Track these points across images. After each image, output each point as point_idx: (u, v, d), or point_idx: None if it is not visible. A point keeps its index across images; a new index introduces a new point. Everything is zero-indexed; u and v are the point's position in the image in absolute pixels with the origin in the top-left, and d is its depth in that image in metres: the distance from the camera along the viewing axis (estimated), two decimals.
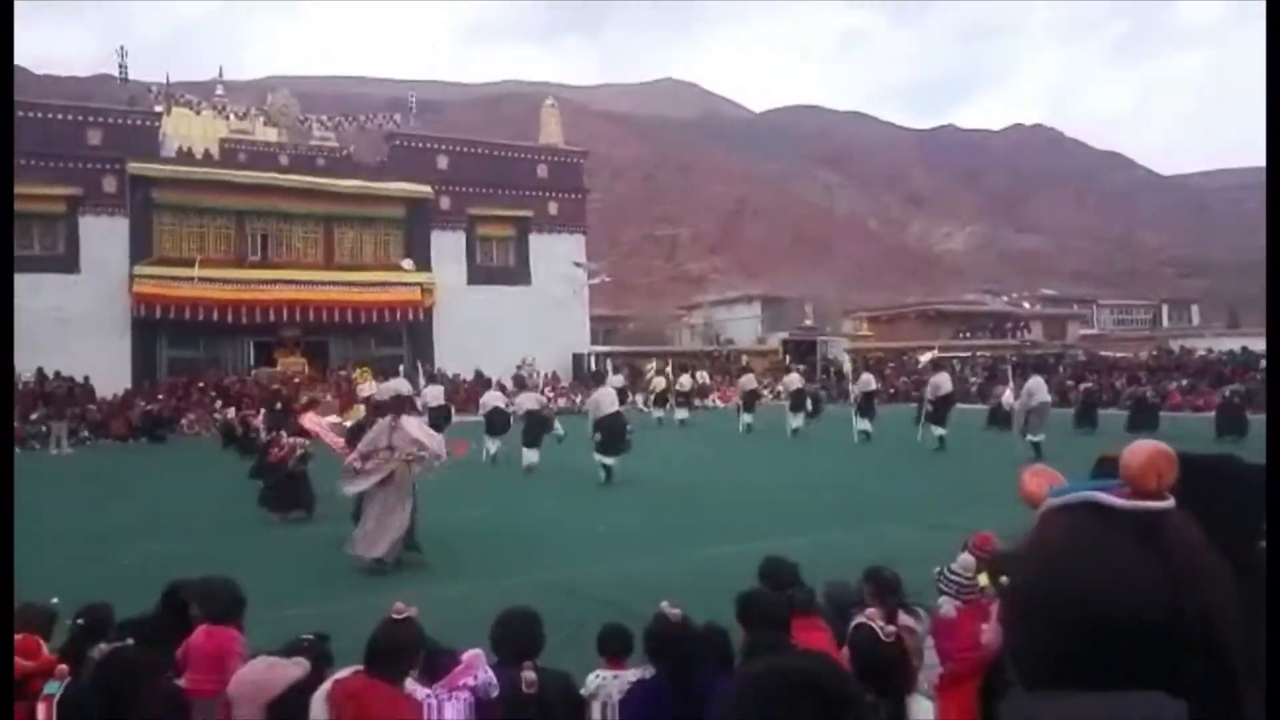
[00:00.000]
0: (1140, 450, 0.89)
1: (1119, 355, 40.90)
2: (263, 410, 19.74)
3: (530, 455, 16.11)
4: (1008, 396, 19.37)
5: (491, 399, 18.62)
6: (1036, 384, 17.91)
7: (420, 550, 9.01)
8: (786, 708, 1.01)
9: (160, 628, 4.11)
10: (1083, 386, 25.07)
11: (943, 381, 19.23)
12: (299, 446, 12.37)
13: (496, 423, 17.82)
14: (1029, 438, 16.81)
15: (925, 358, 32.37)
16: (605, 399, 15.15)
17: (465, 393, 27.75)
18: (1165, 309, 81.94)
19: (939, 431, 18.26)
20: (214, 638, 3.98)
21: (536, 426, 16.50)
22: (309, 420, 12.36)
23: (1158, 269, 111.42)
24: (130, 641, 3.46)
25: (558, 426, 17.48)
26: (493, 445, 17.66)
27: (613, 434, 14.54)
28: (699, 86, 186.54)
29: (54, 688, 3.14)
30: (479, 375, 32.53)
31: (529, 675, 3.30)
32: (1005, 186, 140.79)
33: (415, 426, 9.16)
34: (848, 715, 1.04)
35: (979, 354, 43.74)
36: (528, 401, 17.07)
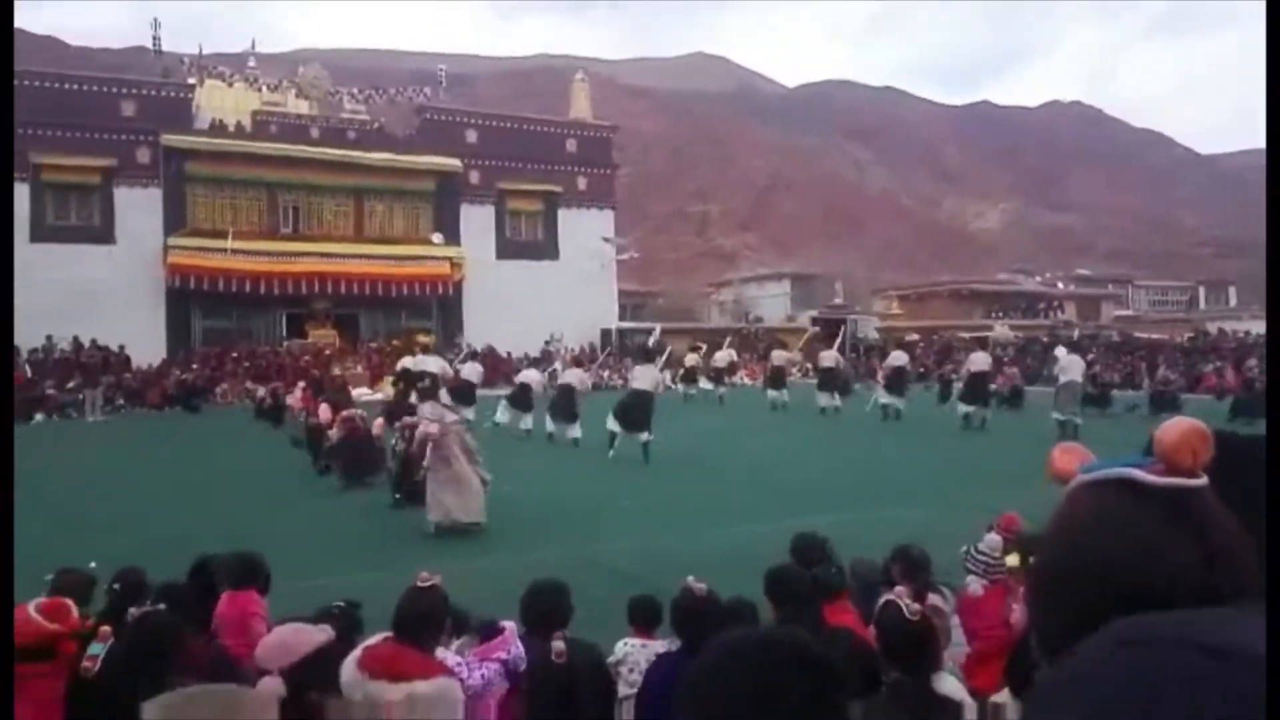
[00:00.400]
0: (1174, 427, 0.87)
1: (1154, 337, 40.34)
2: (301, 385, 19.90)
3: (571, 430, 16.20)
4: (1060, 352, 18.87)
5: (527, 376, 18.87)
6: (1072, 361, 17.64)
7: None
8: (765, 676, 0.99)
9: (190, 600, 4.19)
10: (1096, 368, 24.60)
11: (979, 359, 18.98)
12: (359, 416, 12.69)
13: (522, 399, 18.01)
14: (1055, 416, 16.64)
15: (1001, 331, 31.00)
16: (641, 375, 15.39)
17: (492, 367, 27.78)
18: (1202, 290, 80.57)
19: (966, 409, 17.98)
20: (235, 602, 4.10)
21: (568, 402, 16.49)
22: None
23: (1195, 249, 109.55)
24: (162, 606, 3.53)
25: (577, 429, 16.31)
26: (522, 420, 17.87)
27: (634, 409, 14.63)
28: (730, 61, 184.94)
29: (98, 649, 3.22)
30: (491, 351, 32.50)
31: (558, 645, 3.34)
32: (1040, 164, 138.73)
33: None
34: (831, 685, 1.02)
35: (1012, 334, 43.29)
36: (569, 377, 17.14)
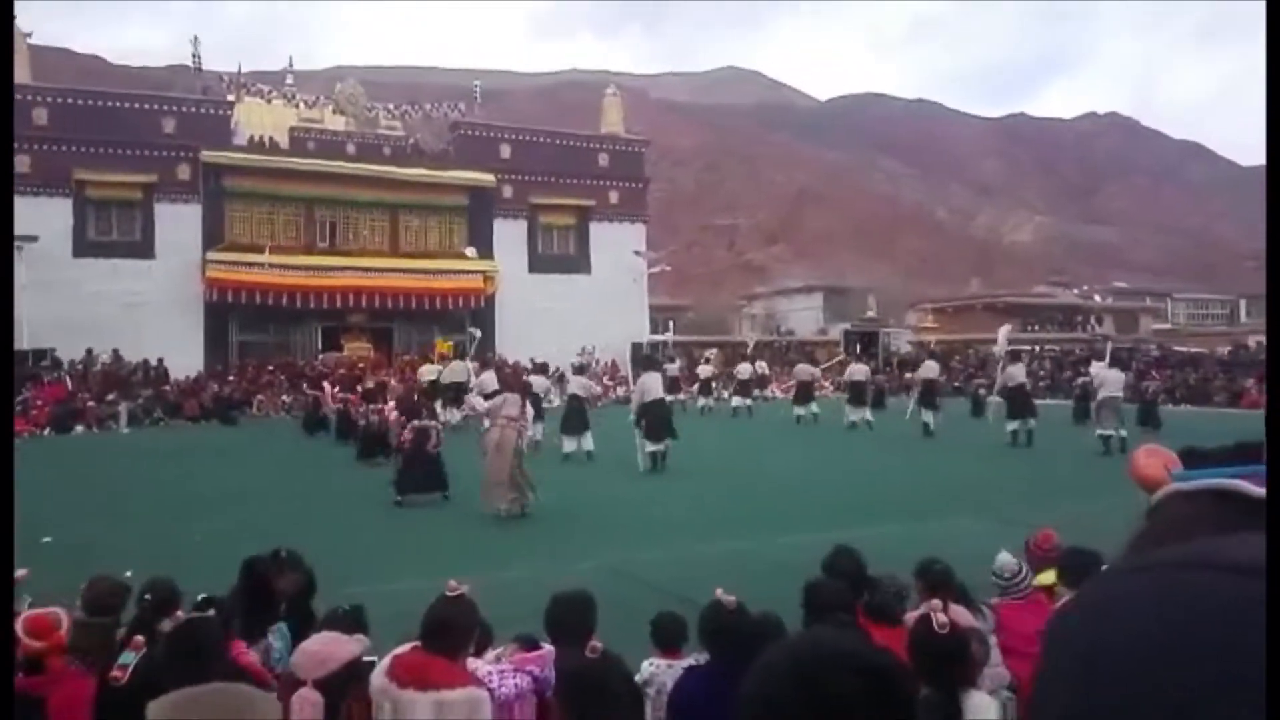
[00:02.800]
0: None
1: (1194, 350, 39.72)
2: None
3: (569, 443, 16.02)
4: (1096, 367, 18.67)
5: (535, 384, 18.45)
6: (1111, 375, 17.41)
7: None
8: (825, 684, 0.96)
9: (234, 604, 4.24)
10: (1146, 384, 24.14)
11: (1017, 372, 18.69)
12: (435, 429, 12.65)
13: (534, 406, 17.75)
14: (1099, 432, 16.42)
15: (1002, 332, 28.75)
16: (651, 385, 15.13)
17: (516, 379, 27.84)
18: (1244, 303, 79.13)
19: (1012, 425, 17.73)
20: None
21: (577, 414, 16.30)
22: None
23: (1237, 262, 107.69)
24: (211, 612, 3.55)
25: (589, 439, 16.24)
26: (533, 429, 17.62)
27: (657, 420, 14.56)
28: (763, 75, 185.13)
29: (130, 658, 3.25)
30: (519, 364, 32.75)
31: (595, 644, 3.36)
32: (1077, 176, 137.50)
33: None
34: (893, 694, 1.00)
35: (1046, 347, 42.87)
36: (574, 386, 17.01)
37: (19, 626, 3.42)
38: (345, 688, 3.01)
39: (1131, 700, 0.48)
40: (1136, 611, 0.52)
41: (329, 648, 3.17)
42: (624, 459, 14.74)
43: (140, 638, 3.40)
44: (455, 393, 21.44)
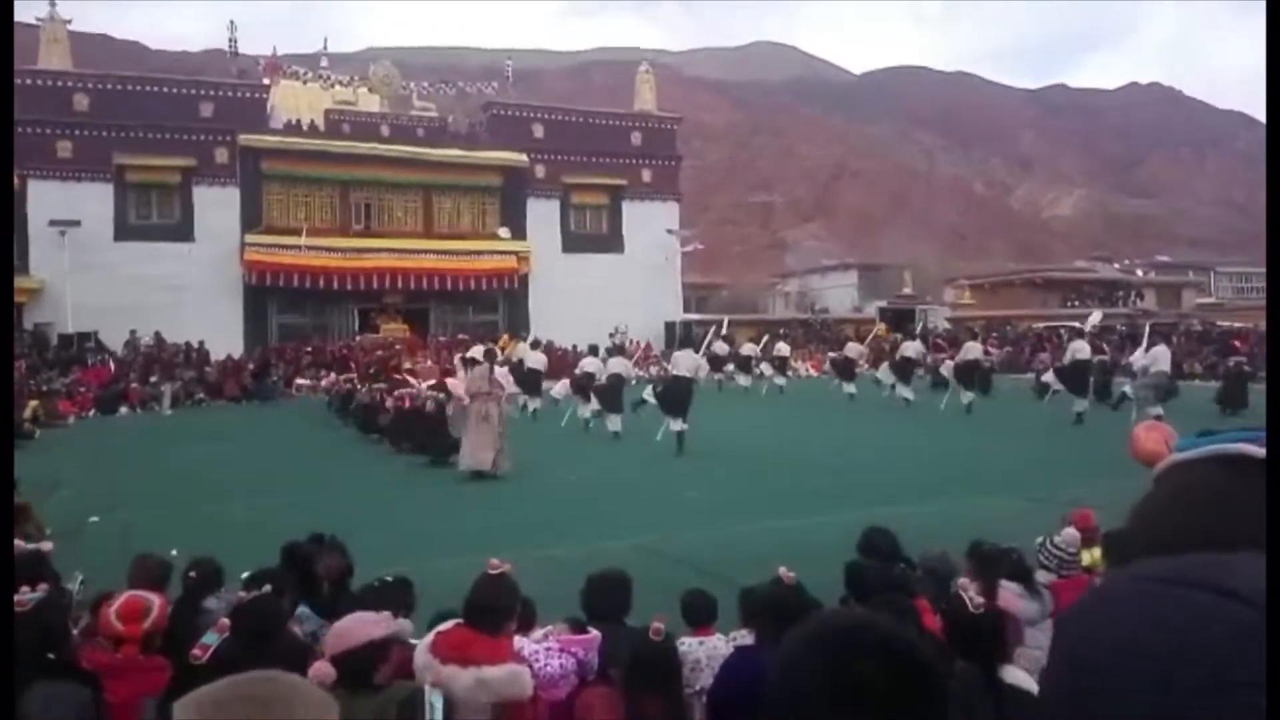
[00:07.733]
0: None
1: (1238, 325, 38.93)
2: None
3: (614, 421, 16.25)
4: (1138, 357, 18.26)
5: (587, 364, 18.63)
6: (1160, 353, 17.01)
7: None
8: (853, 665, 0.95)
9: (283, 582, 4.30)
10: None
11: (1080, 348, 18.21)
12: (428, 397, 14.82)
13: (585, 388, 17.93)
14: (1146, 410, 16.10)
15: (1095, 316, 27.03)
16: (681, 361, 15.30)
17: (558, 360, 28.00)
18: None
19: (1079, 407, 17.20)
20: None
21: (616, 393, 16.52)
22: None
23: None
24: (268, 588, 3.62)
25: (618, 421, 16.55)
26: (584, 410, 17.79)
27: (673, 396, 14.55)
28: (796, 49, 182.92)
29: (213, 638, 3.30)
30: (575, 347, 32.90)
31: (659, 625, 3.39)
32: (1119, 148, 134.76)
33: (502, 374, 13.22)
34: (919, 676, 0.99)
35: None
36: (615, 366, 17.14)
37: (113, 608, 3.49)
38: (368, 664, 3.03)
39: (1116, 703, 0.48)
40: (1129, 620, 0.52)
41: (352, 626, 3.21)
42: (664, 439, 14.76)
43: (226, 620, 3.45)
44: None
